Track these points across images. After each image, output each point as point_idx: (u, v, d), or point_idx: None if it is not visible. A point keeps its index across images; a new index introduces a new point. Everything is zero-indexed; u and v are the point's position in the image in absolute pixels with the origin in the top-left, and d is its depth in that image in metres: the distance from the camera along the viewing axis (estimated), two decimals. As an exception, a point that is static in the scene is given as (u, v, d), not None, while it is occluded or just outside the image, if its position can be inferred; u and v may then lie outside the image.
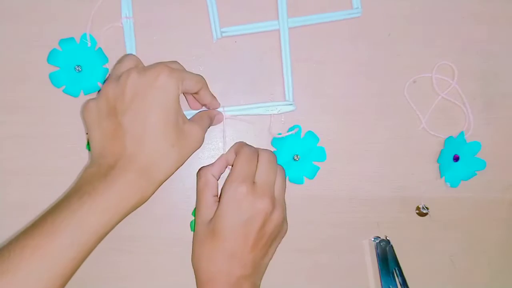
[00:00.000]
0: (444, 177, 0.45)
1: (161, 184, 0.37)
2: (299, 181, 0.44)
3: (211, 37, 0.44)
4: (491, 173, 0.46)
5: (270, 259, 0.41)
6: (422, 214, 0.46)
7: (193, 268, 0.40)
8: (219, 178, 0.42)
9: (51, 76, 0.42)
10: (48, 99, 0.43)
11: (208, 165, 0.42)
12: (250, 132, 0.45)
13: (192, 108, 0.43)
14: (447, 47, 0.46)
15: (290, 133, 0.44)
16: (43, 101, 0.43)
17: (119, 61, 0.39)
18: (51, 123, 0.43)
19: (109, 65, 0.43)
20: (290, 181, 0.44)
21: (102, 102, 0.36)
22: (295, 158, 0.44)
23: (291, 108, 0.44)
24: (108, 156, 0.35)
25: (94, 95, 0.43)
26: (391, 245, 0.45)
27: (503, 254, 0.47)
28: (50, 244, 0.32)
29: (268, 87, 0.45)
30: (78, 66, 0.42)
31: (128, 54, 0.41)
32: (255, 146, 0.42)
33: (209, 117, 0.41)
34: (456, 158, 0.45)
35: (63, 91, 0.43)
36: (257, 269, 0.40)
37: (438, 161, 0.45)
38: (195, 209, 0.42)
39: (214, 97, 0.42)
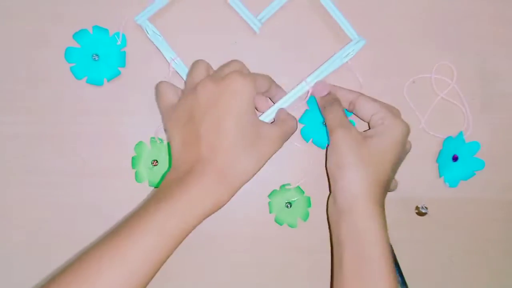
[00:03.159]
0: (443, 177, 0.46)
1: (238, 188, 0.36)
2: (322, 146, 0.44)
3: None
4: (490, 173, 0.46)
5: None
6: (421, 214, 0.46)
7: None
8: None
9: (72, 70, 0.43)
10: (48, 99, 0.43)
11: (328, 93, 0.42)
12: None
13: (259, 109, 0.42)
14: (446, 47, 0.46)
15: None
16: (43, 101, 0.43)
17: (191, 70, 0.40)
18: (52, 123, 0.43)
19: (126, 49, 0.44)
20: (313, 142, 0.44)
21: (181, 112, 0.37)
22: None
23: (362, 42, 0.43)
24: (185, 162, 0.36)
25: (117, 80, 0.44)
26: (390, 245, 0.45)
27: (503, 254, 0.47)
28: (129, 250, 0.32)
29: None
30: (95, 55, 0.43)
31: (198, 61, 0.40)
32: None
33: (293, 119, 0.41)
34: (455, 158, 0.45)
35: (86, 81, 0.43)
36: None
37: (437, 161, 0.45)
38: None
39: (282, 88, 0.42)
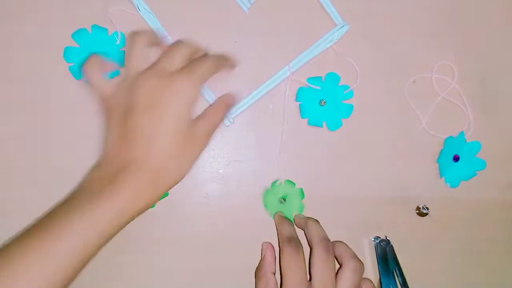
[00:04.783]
0: (444, 177, 0.45)
1: (168, 190, 0.36)
2: (319, 124, 0.45)
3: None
4: (491, 173, 0.46)
5: None
6: (422, 214, 0.46)
7: None
8: (275, 271, 0.41)
9: (71, 69, 0.43)
10: (47, 99, 0.43)
11: (263, 261, 0.41)
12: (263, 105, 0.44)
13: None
14: (447, 47, 0.46)
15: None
16: (42, 101, 0.43)
17: (130, 51, 0.37)
18: (51, 123, 0.43)
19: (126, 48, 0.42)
20: (309, 124, 0.44)
21: (120, 103, 0.36)
22: (321, 103, 0.44)
23: (346, 28, 0.44)
24: (118, 159, 0.35)
25: (116, 80, 0.43)
26: (391, 245, 0.45)
27: (503, 254, 0.47)
28: (56, 246, 0.32)
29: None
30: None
31: (135, 41, 0.38)
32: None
33: (225, 106, 0.40)
34: (456, 158, 0.45)
35: (85, 81, 0.43)
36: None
37: (438, 161, 0.45)
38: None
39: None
